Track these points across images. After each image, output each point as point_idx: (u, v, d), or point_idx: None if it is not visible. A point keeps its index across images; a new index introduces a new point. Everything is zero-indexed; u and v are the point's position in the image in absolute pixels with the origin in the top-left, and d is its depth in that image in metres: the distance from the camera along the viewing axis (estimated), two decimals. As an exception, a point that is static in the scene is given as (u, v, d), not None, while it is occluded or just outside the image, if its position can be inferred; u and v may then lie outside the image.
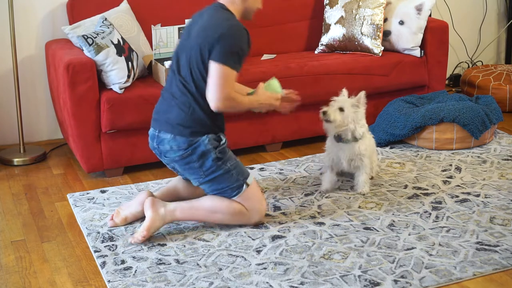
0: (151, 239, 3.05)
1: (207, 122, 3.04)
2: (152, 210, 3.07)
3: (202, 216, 3.14)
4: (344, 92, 3.45)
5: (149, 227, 3.04)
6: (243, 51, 3.01)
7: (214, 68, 2.96)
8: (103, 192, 3.60)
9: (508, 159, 3.92)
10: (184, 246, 3.00)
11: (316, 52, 4.54)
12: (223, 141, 3.09)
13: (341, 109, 3.37)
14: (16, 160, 4.05)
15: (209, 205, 3.11)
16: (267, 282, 2.70)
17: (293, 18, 4.60)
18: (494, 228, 3.09)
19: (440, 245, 2.95)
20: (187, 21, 3.32)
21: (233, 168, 3.07)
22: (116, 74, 3.69)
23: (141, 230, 3.04)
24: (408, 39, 4.40)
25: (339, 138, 3.46)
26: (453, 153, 4.01)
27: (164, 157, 3.14)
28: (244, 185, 3.08)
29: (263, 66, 4.14)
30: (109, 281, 2.74)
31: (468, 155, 3.98)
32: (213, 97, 2.97)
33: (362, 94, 3.41)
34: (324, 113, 3.37)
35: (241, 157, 4.06)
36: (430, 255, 2.87)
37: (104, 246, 3.01)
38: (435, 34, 4.46)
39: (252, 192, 3.11)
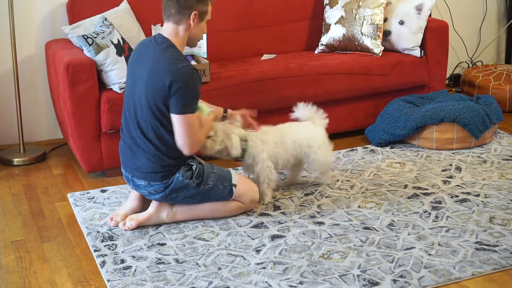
0: (150, 239, 3.06)
1: (174, 163, 3.07)
2: (155, 210, 3.17)
3: (202, 216, 3.22)
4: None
5: (142, 222, 3.15)
6: (197, 92, 2.97)
7: (177, 120, 2.95)
8: (103, 191, 3.60)
9: (508, 159, 3.92)
10: (184, 245, 3.00)
11: (316, 52, 4.55)
12: (195, 165, 3.10)
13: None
14: (16, 160, 4.05)
15: (208, 206, 3.19)
16: (266, 282, 2.70)
17: (293, 18, 4.60)
18: (493, 228, 3.09)
19: (439, 244, 2.95)
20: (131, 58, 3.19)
21: (216, 181, 3.13)
22: (116, 74, 3.69)
23: (133, 220, 3.13)
24: (408, 39, 4.40)
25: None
26: (453, 153, 4.01)
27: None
28: (233, 188, 3.15)
29: (263, 66, 4.14)
30: (108, 280, 2.74)
31: (468, 155, 3.98)
32: (184, 145, 2.99)
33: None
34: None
35: (241, 157, 4.06)
36: (430, 254, 2.87)
37: (104, 246, 3.01)
38: (435, 34, 4.46)
39: (241, 189, 3.19)
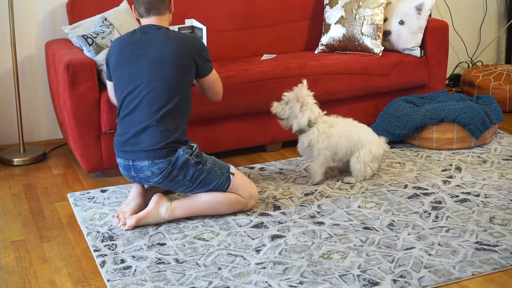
0: (150, 239, 3.06)
1: (178, 139, 3.13)
2: (155, 206, 3.18)
3: (201, 210, 3.23)
4: (302, 84, 3.55)
5: (141, 219, 3.15)
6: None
7: (211, 78, 3.32)
8: (103, 191, 3.60)
9: (508, 159, 3.92)
10: (184, 245, 3.00)
11: (316, 52, 4.55)
12: (195, 146, 3.19)
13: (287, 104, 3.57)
14: (16, 160, 4.06)
15: (207, 199, 3.20)
16: (266, 282, 2.70)
17: (293, 18, 4.61)
18: (493, 228, 3.09)
19: (439, 244, 2.95)
20: (114, 48, 3.30)
21: (214, 165, 3.18)
22: (116, 74, 3.70)
23: (132, 218, 3.14)
24: (408, 39, 4.41)
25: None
26: (453, 153, 4.01)
27: (146, 183, 3.23)
28: (231, 176, 3.18)
29: (263, 66, 4.14)
30: (108, 280, 2.74)
31: (468, 155, 3.98)
32: (219, 96, 3.45)
33: (304, 82, 3.55)
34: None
35: (241, 157, 4.07)
36: (430, 254, 2.87)
37: (104, 246, 3.01)
38: (435, 34, 4.46)
39: (239, 180, 3.22)
